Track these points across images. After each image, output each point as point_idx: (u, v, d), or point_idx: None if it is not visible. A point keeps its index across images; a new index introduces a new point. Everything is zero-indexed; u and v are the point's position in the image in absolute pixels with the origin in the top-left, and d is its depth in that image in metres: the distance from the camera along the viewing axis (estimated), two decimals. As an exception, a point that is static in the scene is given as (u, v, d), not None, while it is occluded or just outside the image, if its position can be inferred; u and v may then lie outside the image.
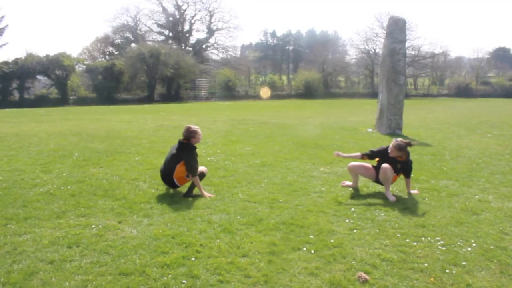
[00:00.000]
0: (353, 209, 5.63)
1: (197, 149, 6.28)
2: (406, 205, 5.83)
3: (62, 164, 7.99)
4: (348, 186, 6.69)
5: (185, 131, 6.24)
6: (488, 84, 51.37)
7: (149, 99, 39.06)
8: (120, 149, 9.73)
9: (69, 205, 5.60)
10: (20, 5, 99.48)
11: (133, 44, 48.16)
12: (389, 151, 6.29)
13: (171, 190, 6.36)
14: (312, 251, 4.30)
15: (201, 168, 6.32)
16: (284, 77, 62.91)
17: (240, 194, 6.21)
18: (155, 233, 4.69)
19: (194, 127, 6.29)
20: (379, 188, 6.62)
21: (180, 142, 6.22)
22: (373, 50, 50.54)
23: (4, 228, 4.77)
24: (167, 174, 6.21)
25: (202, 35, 57.08)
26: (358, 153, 6.73)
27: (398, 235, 4.75)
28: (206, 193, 6.13)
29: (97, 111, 23.65)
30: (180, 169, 6.10)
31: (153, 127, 14.17)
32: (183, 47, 51.61)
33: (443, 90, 51.40)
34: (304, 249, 4.36)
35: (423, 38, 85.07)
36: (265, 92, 29.22)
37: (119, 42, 51.53)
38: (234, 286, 3.61)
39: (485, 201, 6.11)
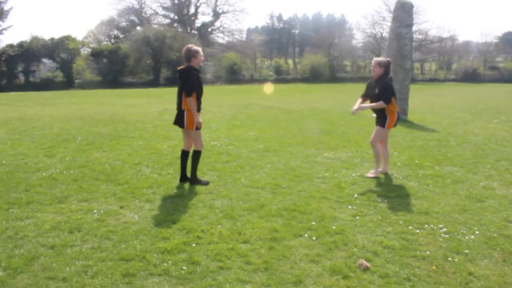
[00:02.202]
0: (356, 195, 5.60)
1: (199, 72, 5.83)
2: (410, 192, 5.78)
3: (66, 149, 7.99)
4: (374, 176, 6.45)
5: (185, 51, 5.75)
6: (496, 69, 50.66)
7: (154, 83, 38.91)
8: (124, 133, 9.72)
9: (71, 189, 5.60)
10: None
11: (138, 27, 47.81)
12: (371, 68, 6.58)
13: (174, 176, 6.33)
14: (314, 238, 4.28)
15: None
16: (290, 61, 62.39)
17: (242, 180, 6.18)
18: (157, 218, 4.69)
19: (195, 46, 5.87)
20: (382, 174, 6.58)
21: (178, 71, 5.77)
22: (379, 34, 49.86)
23: (6, 212, 4.78)
24: (179, 111, 5.83)
25: (207, 18, 56.68)
26: (360, 99, 6.85)
27: (401, 222, 4.72)
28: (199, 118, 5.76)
29: (102, 94, 23.60)
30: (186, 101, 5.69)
31: (158, 111, 14.15)
32: (189, 31, 51.21)
33: (450, 75, 50.78)
34: (306, 235, 4.34)
35: (431, 22, 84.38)
36: (268, 88, 29.01)
37: (124, 25, 51.11)
38: (235, 273, 3.59)
39: (490, 188, 6.05)
